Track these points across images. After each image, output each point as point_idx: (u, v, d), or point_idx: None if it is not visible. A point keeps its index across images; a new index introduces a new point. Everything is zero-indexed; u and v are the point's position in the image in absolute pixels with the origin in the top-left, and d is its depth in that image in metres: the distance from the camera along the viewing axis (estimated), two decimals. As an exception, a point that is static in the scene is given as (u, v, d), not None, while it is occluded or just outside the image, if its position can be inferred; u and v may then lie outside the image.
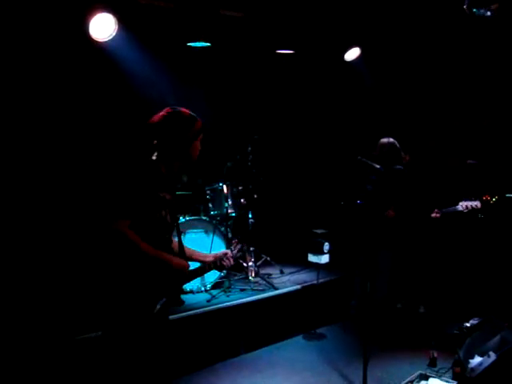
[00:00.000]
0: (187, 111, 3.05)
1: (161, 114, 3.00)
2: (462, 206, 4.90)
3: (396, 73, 6.94)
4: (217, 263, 3.24)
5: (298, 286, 5.97)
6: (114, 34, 5.23)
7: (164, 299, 2.92)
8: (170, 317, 4.76)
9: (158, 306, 2.90)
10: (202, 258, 3.26)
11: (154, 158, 2.98)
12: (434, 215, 5.28)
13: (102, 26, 5.16)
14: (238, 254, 3.40)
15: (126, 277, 2.82)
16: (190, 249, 3.24)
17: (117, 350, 2.87)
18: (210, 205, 6.15)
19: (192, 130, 3.01)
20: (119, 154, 5.73)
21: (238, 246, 3.38)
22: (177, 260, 2.96)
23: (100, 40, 5.22)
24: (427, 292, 5.97)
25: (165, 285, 2.93)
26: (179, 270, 2.95)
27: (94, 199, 5.52)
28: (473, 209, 4.85)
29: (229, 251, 3.31)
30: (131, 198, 2.79)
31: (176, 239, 3.15)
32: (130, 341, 2.84)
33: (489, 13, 4.62)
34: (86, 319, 4.53)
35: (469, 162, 6.11)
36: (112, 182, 5.05)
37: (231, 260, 3.27)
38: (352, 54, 6.84)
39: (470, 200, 4.87)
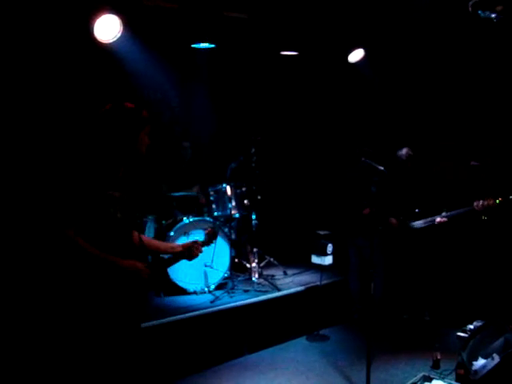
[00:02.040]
0: (130, 104, 2.97)
1: (103, 109, 2.94)
2: (478, 205, 4.93)
3: (400, 74, 6.93)
4: (185, 253, 3.19)
5: (302, 288, 5.98)
6: (119, 35, 5.25)
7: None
8: (177, 317, 4.86)
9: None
10: (170, 250, 3.23)
11: (99, 155, 2.92)
12: (438, 220, 5.33)
13: (107, 28, 5.17)
14: (211, 243, 3.36)
15: (77, 281, 2.80)
16: (156, 241, 3.23)
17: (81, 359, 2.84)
18: (214, 206, 6.16)
19: (135, 121, 2.93)
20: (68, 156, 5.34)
21: (210, 234, 3.35)
22: (127, 262, 2.88)
23: (105, 41, 5.24)
24: (431, 298, 5.96)
25: (123, 287, 2.87)
26: (131, 270, 2.87)
27: (39, 205, 5.06)
28: (488, 206, 4.89)
29: (198, 240, 3.28)
30: (76, 204, 2.76)
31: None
32: (94, 348, 2.81)
33: (493, 15, 4.61)
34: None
35: (472, 163, 6.11)
36: (57, 186, 4.62)
37: (200, 248, 3.23)
38: (356, 55, 6.83)
39: (484, 199, 4.90)
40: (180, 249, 3.20)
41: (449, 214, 5.30)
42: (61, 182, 2.89)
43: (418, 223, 5.53)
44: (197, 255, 3.23)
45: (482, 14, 4.62)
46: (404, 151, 5.87)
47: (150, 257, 6.04)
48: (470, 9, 4.62)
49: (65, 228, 2.72)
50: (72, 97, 5.62)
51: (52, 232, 2.76)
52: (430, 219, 5.44)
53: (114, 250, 2.85)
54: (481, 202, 4.92)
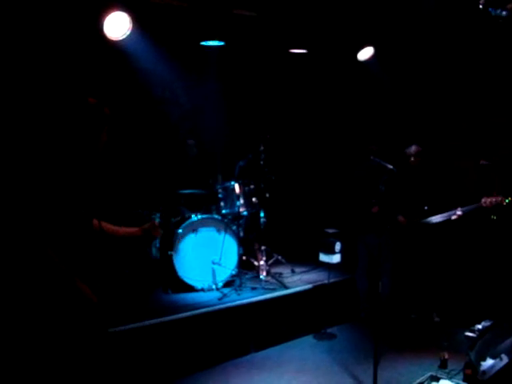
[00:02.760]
0: (93, 99, 3.05)
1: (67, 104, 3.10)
2: (486, 202, 4.89)
3: (410, 73, 6.90)
4: (143, 236, 3.34)
5: (309, 286, 5.97)
6: (129, 32, 5.26)
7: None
8: (184, 314, 4.88)
9: None
10: (128, 233, 3.36)
11: (62, 151, 3.02)
12: (455, 213, 5.28)
13: (117, 25, 5.19)
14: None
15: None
16: (115, 226, 3.32)
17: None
18: (222, 203, 6.16)
19: (97, 117, 3.02)
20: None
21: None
22: (82, 285, 2.96)
23: (114, 39, 5.26)
24: (440, 299, 5.94)
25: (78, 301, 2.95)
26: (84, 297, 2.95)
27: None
28: (497, 204, 4.85)
29: (155, 221, 3.42)
30: (46, 204, 2.85)
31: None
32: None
33: (504, 12, 4.57)
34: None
35: (482, 162, 6.07)
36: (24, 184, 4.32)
37: (158, 230, 3.38)
38: (365, 53, 6.81)
39: (493, 196, 4.86)
40: (138, 232, 3.34)
41: (463, 209, 5.23)
42: (28, 180, 2.98)
43: (435, 218, 5.46)
44: (155, 237, 3.34)
45: (493, 12, 4.58)
46: (413, 148, 5.83)
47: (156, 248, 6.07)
48: (481, 6, 4.58)
49: (37, 231, 2.80)
50: (80, 94, 5.63)
51: (24, 235, 2.85)
52: (446, 214, 5.35)
53: (75, 242, 2.94)
54: (489, 199, 4.88)
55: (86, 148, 3.02)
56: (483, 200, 4.92)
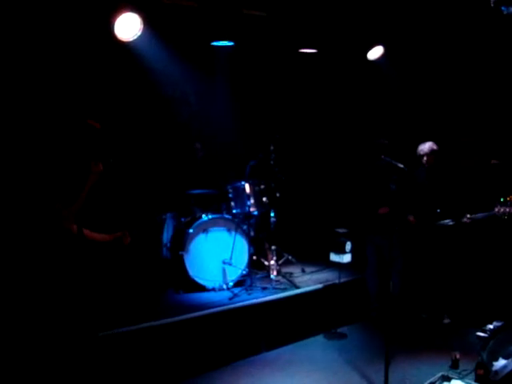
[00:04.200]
0: (91, 120, 3.39)
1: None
2: (500, 211, 4.83)
3: (420, 71, 6.87)
4: (115, 243, 3.58)
5: (320, 285, 5.97)
6: (139, 33, 5.29)
7: None
8: (195, 314, 4.92)
9: None
10: (103, 240, 3.61)
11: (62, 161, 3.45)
12: (465, 220, 5.26)
13: (128, 26, 5.22)
14: None
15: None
16: (93, 232, 3.54)
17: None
18: (233, 203, 6.17)
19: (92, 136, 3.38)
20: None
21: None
22: None
23: (125, 40, 5.28)
24: (451, 299, 5.91)
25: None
26: None
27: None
28: (510, 213, 4.78)
29: (126, 231, 3.65)
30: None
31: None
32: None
33: (517, 11, 4.53)
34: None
35: (493, 162, 6.03)
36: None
37: (128, 239, 3.64)
38: (375, 52, 6.79)
39: (507, 205, 4.80)
40: (111, 238, 3.62)
41: (472, 216, 5.20)
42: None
43: (448, 222, 5.43)
44: (124, 244, 3.62)
45: (506, 10, 4.55)
46: (427, 145, 5.71)
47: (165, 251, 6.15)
48: (493, 4, 4.55)
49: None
50: (93, 95, 5.68)
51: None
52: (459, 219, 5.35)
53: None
54: (502, 208, 4.80)
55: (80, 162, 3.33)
56: (496, 209, 4.85)
